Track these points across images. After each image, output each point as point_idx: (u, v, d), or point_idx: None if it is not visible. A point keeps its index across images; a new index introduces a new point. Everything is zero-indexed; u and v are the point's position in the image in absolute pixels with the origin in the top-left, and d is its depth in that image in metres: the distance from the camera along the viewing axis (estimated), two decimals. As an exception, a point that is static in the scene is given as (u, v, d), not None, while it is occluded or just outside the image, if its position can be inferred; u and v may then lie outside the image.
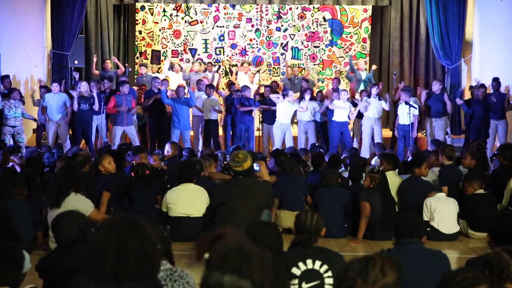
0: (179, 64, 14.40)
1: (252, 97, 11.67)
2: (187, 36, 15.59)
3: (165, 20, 15.57)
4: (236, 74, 13.84)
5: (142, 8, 15.48)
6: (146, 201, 6.32)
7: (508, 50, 11.89)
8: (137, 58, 15.50)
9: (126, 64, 13.79)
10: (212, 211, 5.02)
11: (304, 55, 15.59)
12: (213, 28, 15.59)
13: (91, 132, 10.91)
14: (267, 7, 15.27)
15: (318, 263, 3.40)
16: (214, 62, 15.01)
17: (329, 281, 3.35)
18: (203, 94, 11.66)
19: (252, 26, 15.58)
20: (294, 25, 15.59)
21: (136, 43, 15.58)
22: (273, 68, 15.66)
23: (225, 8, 15.47)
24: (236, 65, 15.09)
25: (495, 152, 8.22)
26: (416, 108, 10.91)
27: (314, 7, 15.34)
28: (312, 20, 15.59)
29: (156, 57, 15.54)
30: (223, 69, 15.20)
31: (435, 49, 13.11)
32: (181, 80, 12.95)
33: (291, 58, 15.51)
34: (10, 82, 11.13)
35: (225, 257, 1.79)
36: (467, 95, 12.21)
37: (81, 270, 2.45)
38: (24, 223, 5.29)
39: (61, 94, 10.99)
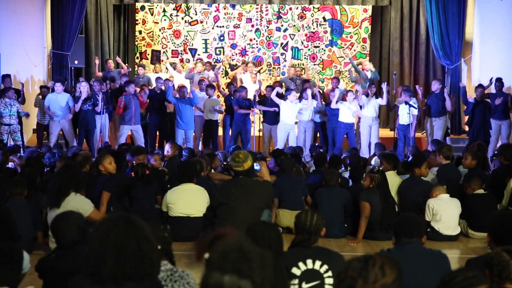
0: (182, 66, 14.40)
1: (252, 98, 11.67)
2: (187, 36, 15.59)
3: (165, 20, 15.57)
4: (244, 72, 13.73)
5: (142, 8, 15.48)
6: (146, 201, 6.32)
7: (508, 50, 11.89)
8: (137, 58, 15.50)
9: (126, 64, 13.79)
10: (212, 211, 5.02)
11: (304, 55, 15.60)
12: (213, 28, 15.59)
13: (93, 132, 10.92)
14: (267, 7, 15.27)
15: (318, 263, 3.40)
16: (214, 62, 15.00)
17: (329, 281, 3.35)
18: (204, 94, 11.67)
19: (252, 26, 15.58)
20: (294, 25, 15.59)
21: (136, 43, 15.58)
22: (273, 68, 15.66)
23: (225, 8, 15.47)
24: (236, 65, 15.08)
25: (495, 152, 8.22)
26: (416, 108, 10.92)
27: (314, 7, 15.34)
28: (312, 20, 15.59)
29: (156, 57, 15.54)
30: (223, 69, 15.19)
31: (435, 49, 13.11)
32: (183, 80, 12.95)
33: (291, 58, 15.51)
34: (10, 81, 11.15)
35: (225, 257, 1.79)
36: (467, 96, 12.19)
37: (81, 271, 2.45)
38: (24, 223, 5.29)
39: (64, 94, 11.01)
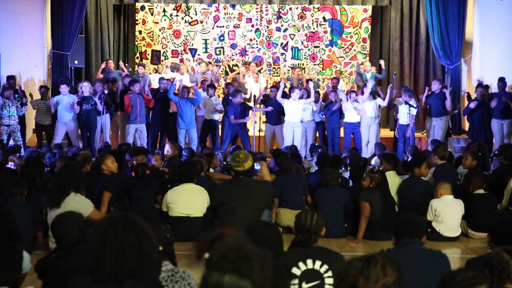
0: (188, 65, 14.37)
1: (252, 98, 11.64)
2: (187, 36, 15.59)
3: (165, 20, 15.57)
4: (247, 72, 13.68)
5: (142, 8, 15.48)
6: (146, 201, 6.32)
7: (508, 50, 11.89)
8: (137, 58, 15.50)
9: (126, 64, 13.80)
10: (212, 211, 5.02)
11: (304, 55, 15.60)
12: (213, 28, 15.59)
13: (95, 132, 10.93)
14: (267, 7, 15.26)
15: (318, 263, 3.40)
16: (214, 62, 15.00)
17: (329, 281, 3.35)
18: (205, 94, 11.67)
19: (252, 26, 15.58)
20: (294, 25, 15.59)
21: (136, 43, 15.58)
22: (273, 68, 15.65)
23: (225, 8, 15.46)
24: (236, 65, 15.07)
25: (495, 152, 8.22)
26: (415, 108, 10.92)
27: (314, 7, 15.34)
28: (312, 20, 15.59)
29: (156, 57, 15.55)
30: (223, 69, 15.19)
31: (435, 49, 13.11)
32: (186, 81, 12.93)
33: (291, 58, 15.51)
34: (14, 83, 11.20)
35: (225, 257, 1.79)
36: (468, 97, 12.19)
37: (80, 270, 2.45)
38: (24, 223, 5.29)
39: (70, 95, 11.06)
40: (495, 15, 12.42)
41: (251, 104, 11.59)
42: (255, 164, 5.08)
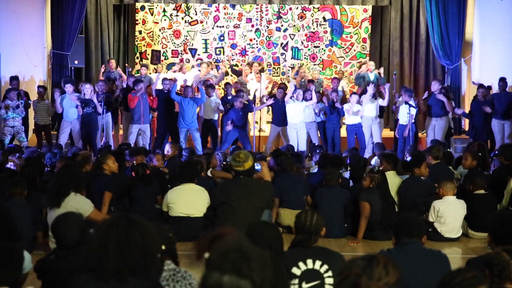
0: (195, 66, 14.36)
1: (252, 98, 11.63)
2: (187, 36, 15.59)
3: (165, 20, 15.57)
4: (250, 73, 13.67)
5: (142, 8, 15.48)
6: (146, 201, 6.32)
7: (508, 50, 11.89)
8: (137, 58, 15.51)
9: (126, 64, 13.80)
10: (213, 211, 5.02)
11: (304, 55, 15.59)
12: (213, 28, 15.59)
13: (95, 133, 10.92)
14: (267, 7, 15.26)
15: (318, 263, 3.40)
16: (214, 62, 15.00)
17: (329, 281, 3.36)
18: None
19: (252, 26, 15.58)
20: (294, 25, 15.59)
21: (136, 43, 15.58)
22: (273, 68, 15.65)
23: (225, 8, 15.46)
24: (237, 65, 15.07)
25: (495, 152, 8.21)
26: (415, 108, 10.92)
27: (314, 7, 15.33)
28: (312, 20, 15.59)
29: (156, 57, 15.55)
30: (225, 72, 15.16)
31: (435, 49, 13.11)
32: (189, 80, 12.88)
33: (291, 58, 15.51)
34: (18, 83, 11.21)
35: (224, 257, 1.79)
36: (468, 97, 12.19)
37: (82, 270, 2.44)
38: (24, 223, 5.29)
39: (75, 95, 11.04)
40: (495, 15, 12.42)
41: (257, 102, 11.51)
42: (255, 164, 5.09)
